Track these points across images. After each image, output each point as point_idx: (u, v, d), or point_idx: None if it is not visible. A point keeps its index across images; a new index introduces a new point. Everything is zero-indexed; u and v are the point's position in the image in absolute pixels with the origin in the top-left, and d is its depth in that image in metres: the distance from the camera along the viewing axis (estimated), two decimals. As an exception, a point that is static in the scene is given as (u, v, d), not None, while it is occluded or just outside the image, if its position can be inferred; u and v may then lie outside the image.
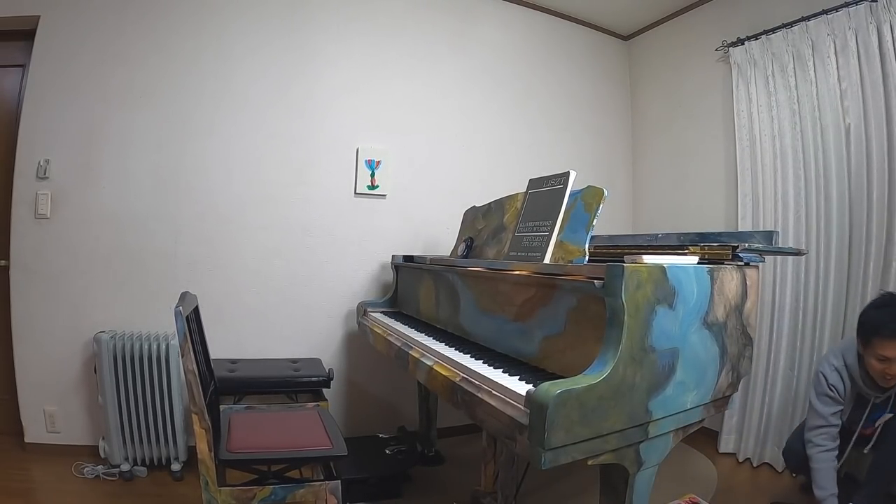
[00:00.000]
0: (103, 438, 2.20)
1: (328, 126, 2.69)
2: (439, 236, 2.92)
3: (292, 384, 2.23)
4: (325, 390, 2.30)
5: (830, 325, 2.35)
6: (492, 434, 1.27)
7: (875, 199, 2.19)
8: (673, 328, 1.17)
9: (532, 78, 3.25)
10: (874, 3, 2.17)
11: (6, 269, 2.24)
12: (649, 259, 1.21)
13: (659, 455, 1.22)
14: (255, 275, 2.54)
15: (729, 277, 1.33)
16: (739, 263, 1.39)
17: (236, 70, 2.51)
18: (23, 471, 2.13)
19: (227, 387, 2.09)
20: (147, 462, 2.23)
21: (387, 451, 2.32)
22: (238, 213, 2.52)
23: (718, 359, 1.30)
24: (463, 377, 1.33)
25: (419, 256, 2.38)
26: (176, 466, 2.22)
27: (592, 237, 1.47)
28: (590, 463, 1.08)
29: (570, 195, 1.55)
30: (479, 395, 1.21)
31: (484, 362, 1.39)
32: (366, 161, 2.76)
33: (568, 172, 1.58)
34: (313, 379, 2.26)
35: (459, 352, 1.53)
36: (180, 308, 1.36)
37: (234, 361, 2.34)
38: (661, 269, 1.15)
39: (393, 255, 2.57)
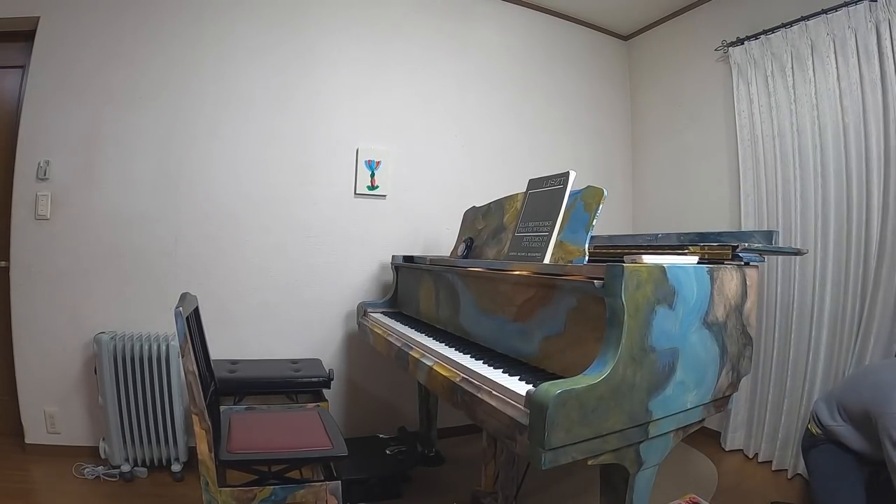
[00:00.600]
0: (104, 439, 2.20)
1: (328, 127, 2.69)
2: (439, 236, 2.92)
3: (292, 385, 2.23)
4: (325, 391, 2.30)
5: (828, 324, 2.34)
6: (492, 434, 1.27)
7: (874, 197, 2.19)
8: (673, 328, 1.17)
9: (531, 79, 3.25)
10: (873, 3, 2.17)
11: (6, 270, 2.24)
12: (649, 259, 1.22)
13: (659, 455, 1.22)
14: (255, 275, 2.55)
15: (729, 277, 1.33)
16: (739, 263, 1.39)
17: (238, 72, 2.51)
18: (23, 472, 2.13)
19: (227, 387, 2.09)
20: (147, 463, 2.23)
21: (387, 452, 2.32)
22: (238, 214, 2.52)
23: (718, 358, 1.30)
24: (463, 377, 1.33)
25: (419, 257, 2.38)
26: (176, 467, 2.22)
27: (592, 237, 1.46)
28: (590, 463, 1.08)
29: (570, 195, 1.55)
30: (479, 395, 1.21)
31: (484, 362, 1.39)
32: (366, 162, 2.76)
33: (568, 172, 1.57)
34: (313, 379, 2.26)
35: (459, 352, 1.53)
36: (180, 309, 1.37)
37: (234, 362, 2.35)
38: (661, 269, 1.15)
39: (393, 256, 2.57)
